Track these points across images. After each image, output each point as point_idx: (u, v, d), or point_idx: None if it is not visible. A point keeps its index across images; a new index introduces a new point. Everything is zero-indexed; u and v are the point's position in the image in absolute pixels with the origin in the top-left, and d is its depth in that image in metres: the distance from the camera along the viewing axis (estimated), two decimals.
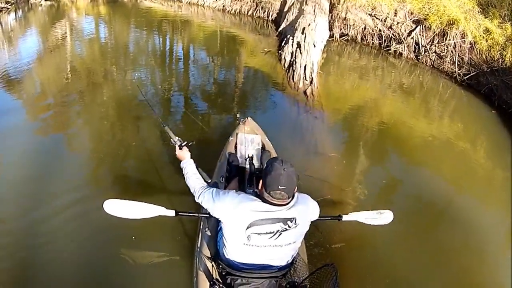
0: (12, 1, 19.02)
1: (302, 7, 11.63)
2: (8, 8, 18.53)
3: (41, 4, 18.99)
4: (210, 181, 3.08)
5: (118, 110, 6.87)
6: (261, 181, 2.51)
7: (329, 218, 3.52)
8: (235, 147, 4.72)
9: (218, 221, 3.13)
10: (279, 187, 2.38)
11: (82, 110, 7.01)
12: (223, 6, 15.73)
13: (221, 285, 2.79)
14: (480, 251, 4.50)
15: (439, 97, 8.83)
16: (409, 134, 7.00)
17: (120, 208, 3.29)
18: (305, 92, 8.21)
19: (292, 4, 12.68)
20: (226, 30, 13.81)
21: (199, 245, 3.43)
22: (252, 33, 13.40)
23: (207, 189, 2.81)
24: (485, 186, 5.80)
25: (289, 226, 2.51)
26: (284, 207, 2.48)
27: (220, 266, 2.81)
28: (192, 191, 2.92)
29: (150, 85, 8.49)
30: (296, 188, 2.50)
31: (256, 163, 4.33)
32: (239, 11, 15.15)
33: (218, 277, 2.91)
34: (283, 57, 9.74)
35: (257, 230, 2.49)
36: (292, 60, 9.37)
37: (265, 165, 2.54)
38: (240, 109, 7.30)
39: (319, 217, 2.98)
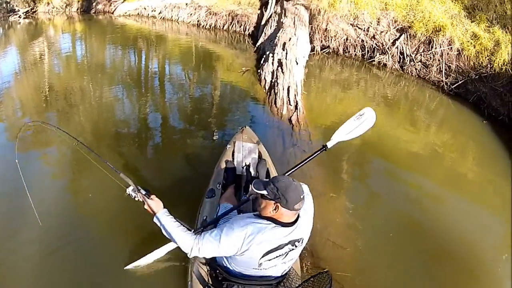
0: None
1: (281, 20, 11.68)
2: None
3: (20, 22, 19.46)
4: (192, 229, 2.78)
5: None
6: (278, 206, 2.43)
7: (317, 153, 3.72)
8: (233, 154, 4.86)
9: (214, 222, 3.23)
10: (301, 196, 2.43)
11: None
12: (198, 21, 16.02)
13: None
14: (469, 258, 4.58)
15: (426, 108, 8.91)
16: (394, 146, 7.07)
17: (139, 263, 3.77)
18: (290, 120, 7.53)
19: (270, 16, 12.77)
20: (201, 46, 13.98)
21: None
22: (228, 48, 13.54)
23: (200, 235, 2.60)
24: (475, 195, 5.89)
25: (296, 246, 2.58)
26: (293, 227, 2.51)
27: (217, 271, 2.86)
28: (181, 245, 2.64)
29: (124, 105, 8.63)
30: (304, 202, 2.51)
31: (252, 172, 4.51)
32: (214, 25, 15.39)
33: (213, 282, 2.97)
34: (263, 77, 9.30)
35: (270, 257, 2.53)
36: (273, 80, 8.90)
37: (274, 188, 2.43)
38: (216, 141, 6.75)
39: (305, 159, 3.53)
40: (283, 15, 11.98)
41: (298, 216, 2.55)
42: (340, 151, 6.68)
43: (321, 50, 11.83)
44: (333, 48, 11.73)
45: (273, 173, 4.64)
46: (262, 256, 2.51)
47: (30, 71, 11.42)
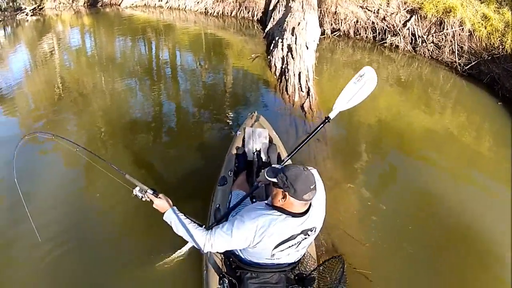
0: (0, 18, 19.58)
1: (289, 4, 11.59)
2: None
3: (27, 20, 19.66)
4: (204, 225, 2.75)
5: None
6: (286, 195, 2.40)
7: (320, 126, 3.55)
8: (243, 141, 4.88)
9: (226, 214, 3.19)
10: (311, 187, 2.37)
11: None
12: (205, 9, 16.02)
13: (230, 279, 2.84)
14: (482, 245, 4.52)
15: (440, 89, 8.81)
16: (408, 127, 7.03)
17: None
18: (302, 107, 7.38)
19: (278, 1, 12.67)
20: (210, 33, 13.96)
21: None
22: (237, 35, 13.48)
23: (212, 230, 2.58)
24: (490, 178, 5.81)
25: (308, 235, 2.56)
26: (305, 216, 2.47)
27: (231, 259, 2.87)
28: (193, 242, 2.63)
29: (135, 95, 8.72)
30: (315, 192, 2.44)
31: (263, 157, 4.50)
32: (222, 12, 15.39)
33: (227, 270, 2.97)
34: (273, 63, 9.23)
35: (282, 248, 2.53)
36: (283, 67, 8.78)
37: (283, 176, 2.40)
38: (229, 129, 6.82)
39: (310, 133, 3.45)
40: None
41: (310, 205, 2.51)
42: (356, 135, 6.76)
43: (331, 33, 11.73)
44: (344, 31, 11.63)
45: (285, 156, 4.37)
46: (275, 247, 2.51)
47: (40, 68, 11.63)
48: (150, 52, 13.07)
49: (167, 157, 6.03)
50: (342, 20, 11.49)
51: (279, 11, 12.09)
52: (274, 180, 2.43)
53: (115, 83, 9.31)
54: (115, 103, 8.12)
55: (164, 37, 14.72)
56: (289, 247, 2.54)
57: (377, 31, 11.06)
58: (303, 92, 7.80)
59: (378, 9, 10.83)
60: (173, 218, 2.69)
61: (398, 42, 10.56)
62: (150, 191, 2.82)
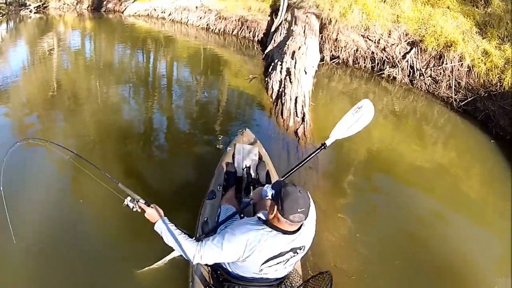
0: (4, 12, 19.84)
1: (291, 28, 11.70)
2: None
3: (30, 17, 19.99)
4: (193, 236, 2.86)
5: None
6: (274, 209, 2.45)
7: (316, 152, 3.58)
8: (233, 156, 4.95)
9: (215, 228, 3.24)
10: (298, 209, 2.37)
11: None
12: (207, 25, 16.17)
13: None
14: (469, 274, 4.62)
15: (434, 123, 8.87)
16: (399, 159, 7.07)
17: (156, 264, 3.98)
18: (296, 132, 7.35)
19: (280, 24, 12.82)
20: (210, 50, 14.08)
21: None
22: (237, 54, 13.65)
23: (202, 242, 2.62)
24: (478, 214, 5.86)
25: (297, 253, 2.61)
26: (296, 234, 2.52)
27: (218, 272, 2.91)
28: (183, 253, 2.66)
29: (129, 106, 8.86)
30: (306, 216, 2.47)
31: (253, 173, 4.56)
32: (224, 30, 15.51)
33: (214, 283, 3.01)
34: (270, 86, 9.24)
35: (271, 264, 2.58)
36: (281, 90, 8.79)
37: (276, 192, 2.47)
38: (219, 147, 6.73)
39: (305, 158, 3.51)
40: (293, 23, 12.01)
41: (302, 224, 2.54)
42: (347, 163, 6.78)
43: (330, 60, 11.80)
44: (343, 59, 11.69)
45: (273, 174, 4.73)
46: (263, 263, 2.55)
47: (38, 66, 11.95)
48: (148, 62, 13.25)
49: (156, 168, 6.16)
50: (342, 47, 11.57)
51: (280, 33, 12.18)
52: (270, 193, 2.53)
53: (111, 90, 9.52)
54: (109, 110, 8.25)
55: (163, 49, 14.93)
56: (278, 263, 2.60)
57: (376, 61, 11.13)
58: (298, 117, 7.81)
59: (379, 39, 10.91)
60: (163, 228, 2.73)
61: (396, 74, 10.61)
62: (142, 201, 2.87)
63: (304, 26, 11.54)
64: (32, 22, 20.00)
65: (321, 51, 11.55)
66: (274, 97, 8.87)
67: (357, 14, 11.24)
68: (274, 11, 13.79)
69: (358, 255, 4.65)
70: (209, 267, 3.09)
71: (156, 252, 4.00)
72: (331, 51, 11.82)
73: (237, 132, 6.18)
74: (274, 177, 4.64)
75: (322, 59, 11.51)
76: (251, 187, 4.22)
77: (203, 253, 2.56)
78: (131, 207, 2.88)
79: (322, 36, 11.80)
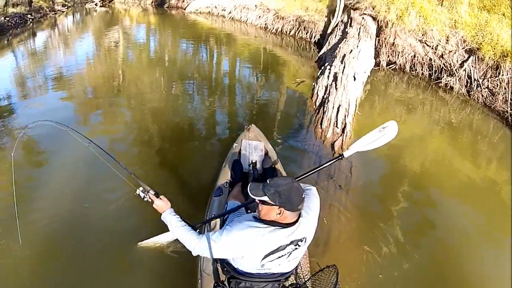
0: (69, 5, 20.99)
1: (346, 30, 11.44)
2: (64, 11, 20.66)
3: (96, 10, 21.11)
4: (198, 230, 2.99)
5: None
6: (279, 209, 2.48)
7: (332, 161, 3.66)
8: (239, 153, 5.17)
9: (222, 224, 3.34)
10: (302, 196, 2.49)
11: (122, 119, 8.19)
12: (265, 24, 16.27)
13: (225, 287, 2.94)
14: None
15: (488, 139, 8.31)
16: (452, 176, 6.66)
17: (151, 241, 4.33)
18: (332, 145, 6.90)
19: (336, 25, 12.57)
20: (268, 50, 14.17)
21: None
22: (294, 55, 13.58)
23: (203, 237, 2.74)
24: None
25: (299, 246, 2.63)
26: (295, 226, 2.55)
27: (225, 269, 2.91)
28: (186, 244, 2.83)
29: (192, 102, 9.39)
30: (305, 201, 2.56)
31: (259, 169, 4.70)
32: (281, 30, 15.51)
33: (222, 279, 3.06)
34: (315, 91, 8.78)
35: (272, 258, 2.59)
36: (325, 96, 8.33)
37: (276, 194, 2.47)
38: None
39: (321, 165, 3.56)
40: (348, 24, 11.73)
41: (300, 215, 2.60)
42: (387, 182, 6.41)
43: (387, 65, 11.36)
44: (400, 65, 11.23)
45: (280, 170, 4.84)
46: (263, 258, 2.58)
47: (103, 57, 13.18)
48: (211, 59, 13.75)
49: (176, 162, 6.31)
50: (399, 53, 11.11)
51: (336, 35, 11.95)
52: (264, 198, 2.50)
53: (173, 85, 10.21)
54: (167, 105, 8.96)
55: (225, 47, 15.32)
56: (279, 257, 2.62)
57: (434, 69, 10.61)
58: (338, 128, 7.35)
59: (437, 45, 10.37)
60: (169, 219, 2.93)
61: (453, 83, 10.04)
62: (152, 192, 3.11)
63: (359, 28, 11.22)
64: (98, 15, 21.22)
65: (377, 55, 11.18)
66: (317, 104, 8.42)
67: (414, 17, 10.78)
68: (331, 12, 13.55)
69: None
70: (217, 264, 3.14)
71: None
72: (388, 56, 11.37)
73: (271, 138, 6.61)
74: (280, 173, 4.77)
75: (377, 64, 11.14)
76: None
77: (202, 246, 2.68)
78: (142, 197, 3.11)
79: (379, 39, 11.39)
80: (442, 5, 10.82)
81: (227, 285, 2.93)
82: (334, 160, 3.64)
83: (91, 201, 5.30)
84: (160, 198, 3.04)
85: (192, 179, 5.80)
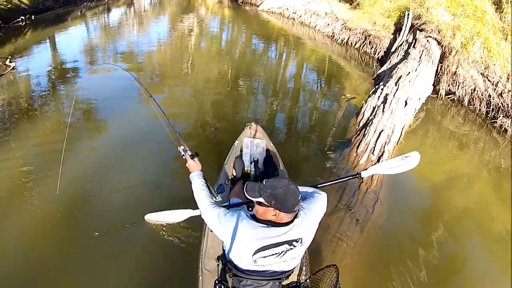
0: None
1: (409, 50, 11.02)
2: None
3: None
4: (215, 199, 3.16)
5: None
6: (274, 211, 2.57)
7: (349, 178, 3.87)
8: (241, 150, 5.36)
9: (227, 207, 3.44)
10: (298, 198, 2.56)
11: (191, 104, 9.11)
12: (332, 33, 16.19)
13: (225, 285, 3.02)
14: None
15: None
16: (493, 223, 6.19)
17: (159, 218, 4.60)
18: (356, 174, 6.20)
19: (401, 44, 12.17)
20: (333, 59, 14.10)
21: (205, 245, 3.94)
22: (356, 69, 13.39)
23: (214, 208, 2.93)
24: None
25: (294, 246, 2.68)
26: (289, 226, 2.63)
27: (226, 267, 2.98)
28: (199, 205, 3.05)
29: (254, 100, 9.93)
30: (300, 202, 2.66)
31: (260, 166, 4.91)
32: (347, 41, 15.33)
33: (223, 277, 3.11)
34: (362, 111, 8.41)
35: (263, 255, 2.66)
36: (370, 118, 7.93)
37: (272, 196, 2.54)
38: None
39: (337, 179, 3.76)
40: (412, 45, 11.32)
41: (296, 216, 2.67)
42: (429, 221, 5.97)
43: (446, 95, 10.72)
44: (458, 96, 10.52)
45: (282, 169, 5.04)
46: (255, 253, 2.64)
47: (175, 41, 14.29)
48: (279, 60, 14.25)
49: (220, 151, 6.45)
50: (459, 83, 10.45)
51: (398, 55, 11.53)
52: (260, 199, 2.58)
53: (238, 79, 10.87)
54: (229, 97, 9.59)
55: (294, 50, 15.62)
56: (272, 255, 2.67)
57: (491, 107, 9.85)
58: (373, 155, 6.83)
59: (498, 82, 9.69)
60: (195, 179, 3.25)
61: (508, 126, 9.27)
62: (189, 153, 3.50)
63: (422, 51, 10.77)
64: (174, 0, 21.72)
65: (437, 82, 10.68)
66: (361, 124, 8.01)
67: (478, 48, 10.17)
68: (398, 29, 13.14)
69: None
70: (218, 261, 3.19)
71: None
72: (448, 84, 10.72)
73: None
74: (282, 171, 4.99)
75: (436, 92, 10.59)
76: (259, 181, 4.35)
77: (209, 216, 2.88)
78: (181, 155, 3.52)
79: (441, 66, 10.82)
80: (506, 40, 10.19)
81: (228, 282, 3.01)
82: (350, 178, 3.84)
83: (136, 156, 6.40)
84: (194, 160, 3.42)
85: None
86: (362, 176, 3.80)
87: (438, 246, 5.38)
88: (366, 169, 3.81)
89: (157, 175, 6.07)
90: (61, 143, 5.19)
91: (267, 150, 5.39)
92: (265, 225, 2.62)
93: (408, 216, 5.98)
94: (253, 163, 4.98)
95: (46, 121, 7.64)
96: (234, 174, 4.89)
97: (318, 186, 3.51)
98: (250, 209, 3.38)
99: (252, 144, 5.41)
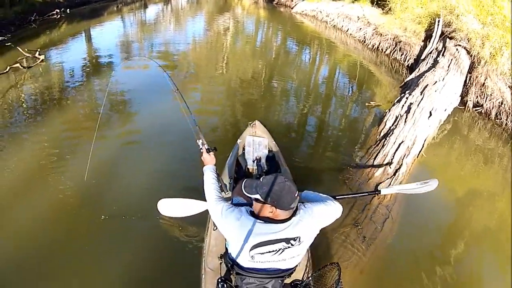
0: None
1: (438, 59, 10.83)
2: None
3: None
4: (224, 194, 3.40)
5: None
6: (271, 207, 2.65)
7: (366, 194, 4.12)
8: (243, 149, 5.51)
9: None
10: (295, 195, 2.64)
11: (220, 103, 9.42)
12: (364, 38, 16.12)
13: (228, 283, 3.06)
14: None
15: None
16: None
17: (172, 207, 4.52)
18: (376, 187, 5.87)
19: (430, 52, 11.96)
20: (365, 65, 14.07)
21: (208, 243, 4.04)
22: (386, 76, 13.23)
23: (220, 202, 3.02)
24: None
25: (292, 244, 2.73)
26: (287, 223, 2.69)
27: (229, 265, 3.05)
28: (206, 197, 3.17)
29: (286, 102, 10.14)
30: (298, 199, 2.71)
31: (263, 165, 5.03)
32: (377, 47, 15.22)
33: (225, 275, 3.17)
34: (385, 119, 8.19)
35: (260, 251, 2.71)
36: (391, 128, 7.70)
37: (267, 193, 2.64)
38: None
39: (355, 193, 3.98)
40: (441, 53, 11.11)
41: (294, 214, 2.74)
42: (445, 243, 5.57)
43: (473, 107, 10.33)
44: (486, 109, 10.09)
45: (284, 166, 5.09)
46: (251, 249, 2.70)
47: (210, 39, 14.81)
48: (312, 63, 14.50)
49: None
50: (487, 95, 10.07)
51: (427, 63, 11.33)
52: (256, 196, 2.70)
53: (272, 80, 11.14)
54: (261, 99, 9.80)
55: (327, 54, 15.66)
56: (269, 252, 2.73)
57: None
58: (390, 168, 6.43)
59: None
60: (207, 172, 3.42)
61: None
62: (206, 146, 3.77)
63: (451, 60, 10.52)
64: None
65: (465, 94, 10.35)
66: (381, 134, 7.77)
67: (507, 59, 9.86)
68: (428, 36, 12.92)
69: None
70: (221, 259, 3.26)
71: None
72: (477, 96, 10.34)
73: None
74: (285, 170, 5.01)
75: (464, 103, 10.27)
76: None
77: (214, 209, 2.96)
78: (199, 148, 3.79)
79: (470, 76, 10.49)
80: None
81: (231, 281, 3.06)
82: (369, 193, 4.06)
83: (159, 149, 6.74)
84: (209, 154, 3.65)
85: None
86: (381, 193, 3.95)
87: (448, 272, 4.96)
88: (387, 187, 3.99)
89: (178, 167, 6.25)
90: (92, 131, 5.38)
91: (270, 149, 5.52)
92: (263, 221, 2.68)
93: (421, 237, 5.49)
94: (255, 162, 5.11)
95: (79, 111, 8.16)
96: (237, 172, 4.99)
97: (336, 197, 3.52)
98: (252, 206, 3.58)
99: (255, 142, 5.55)
